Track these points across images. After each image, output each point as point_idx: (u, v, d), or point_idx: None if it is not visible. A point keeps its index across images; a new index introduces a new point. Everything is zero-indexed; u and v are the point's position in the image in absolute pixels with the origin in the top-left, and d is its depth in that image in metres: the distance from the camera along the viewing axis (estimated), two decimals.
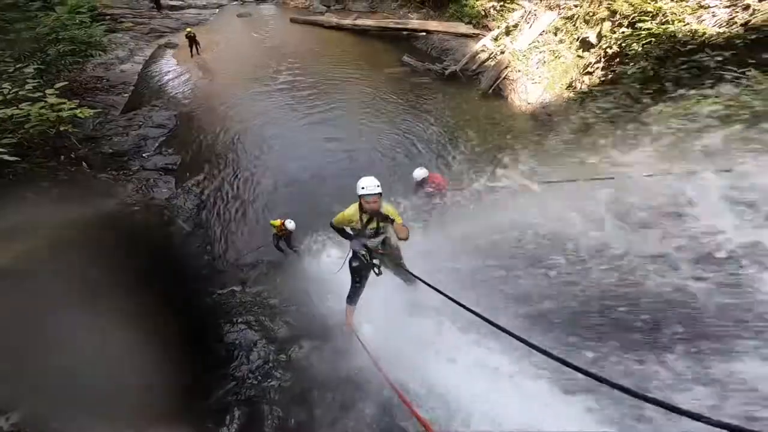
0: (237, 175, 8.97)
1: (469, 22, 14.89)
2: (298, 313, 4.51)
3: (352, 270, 3.82)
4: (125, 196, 7.85)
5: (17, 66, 8.18)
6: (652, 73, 7.34)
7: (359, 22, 15.94)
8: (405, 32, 15.34)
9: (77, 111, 7.54)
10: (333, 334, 3.97)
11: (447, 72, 12.72)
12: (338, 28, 16.22)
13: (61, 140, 9.02)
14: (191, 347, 3.03)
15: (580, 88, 10.51)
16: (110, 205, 7.21)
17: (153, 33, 18.38)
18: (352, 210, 3.50)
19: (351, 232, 3.71)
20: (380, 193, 3.27)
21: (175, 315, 3.06)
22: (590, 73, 10.42)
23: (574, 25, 11.95)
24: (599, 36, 10.71)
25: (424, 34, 15.08)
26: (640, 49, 8.10)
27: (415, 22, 15.18)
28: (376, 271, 3.75)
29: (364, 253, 3.65)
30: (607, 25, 10.38)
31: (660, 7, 8.28)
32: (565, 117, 10.10)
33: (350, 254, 3.80)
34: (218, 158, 9.46)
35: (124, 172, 8.78)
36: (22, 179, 7.03)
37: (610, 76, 9.32)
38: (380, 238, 3.63)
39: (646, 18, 8.53)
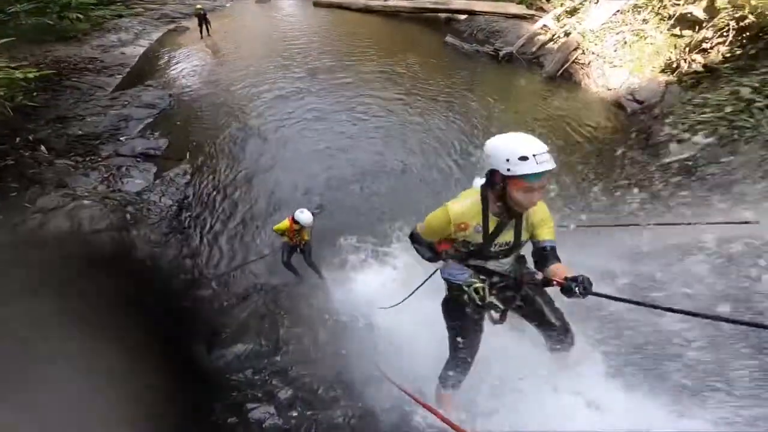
0: (237, 168, 6.76)
1: (521, 2, 12.83)
2: None
3: (452, 320, 1.95)
4: (81, 187, 5.69)
5: None
6: None
7: (391, 3, 13.99)
8: (444, 14, 13.26)
9: (16, 72, 5.46)
10: None
11: (501, 53, 10.49)
12: (367, 10, 14.33)
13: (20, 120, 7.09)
14: None
15: (688, 68, 8.13)
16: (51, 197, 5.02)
17: (164, 18, 16.85)
18: (467, 206, 1.65)
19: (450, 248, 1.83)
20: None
21: None
22: (704, 51, 8.04)
23: (661, 2, 9.86)
24: (711, 9, 8.44)
25: (466, 16, 13.00)
26: None
27: (458, 2, 13.05)
28: (496, 315, 1.82)
29: (480, 286, 1.74)
30: None
31: None
32: (668, 102, 7.70)
33: (447, 292, 1.93)
34: (215, 146, 7.31)
35: (91, 158, 6.67)
36: None
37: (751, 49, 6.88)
38: (513, 256, 1.79)
39: None
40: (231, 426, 1.91)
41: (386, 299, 2.89)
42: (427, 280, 2.21)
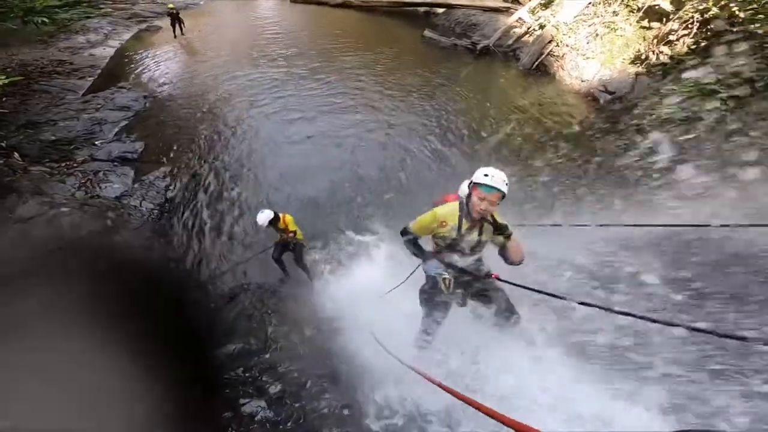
0: (217, 167, 6.73)
1: None
2: None
3: (426, 303, 2.56)
4: (59, 194, 5.57)
5: None
6: None
7: None
8: (422, 8, 13.35)
9: None
10: None
11: (479, 47, 10.64)
12: (345, 5, 14.26)
13: None
14: None
15: (656, 60, 8.44)
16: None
17: (135, 18, 16.35)
18: (449, 209, 2.28)
19: (430, 246, 2.43)
20: (504, 194, 2.07)
21: None
22: (671, 42, 8.34)
23: None
24: (677, 1, 8.75)
25: (444, 9, 13.13)
26: None
27: None
28: (460, 301, 2.49)
29: (447, 277, 2.33)
30: None
31: None
32: (637, 92, 8.00)
33: (425, 282, 2.51)
34: (193, 147, 7.23)
35: (67, 164, 6.52)
36: None
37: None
38: (477, 255, 2.37)
39: None
40: (226, 420, 2.00)
41: (373, 292, 3.10)
42: (414, 271, 2.62)
